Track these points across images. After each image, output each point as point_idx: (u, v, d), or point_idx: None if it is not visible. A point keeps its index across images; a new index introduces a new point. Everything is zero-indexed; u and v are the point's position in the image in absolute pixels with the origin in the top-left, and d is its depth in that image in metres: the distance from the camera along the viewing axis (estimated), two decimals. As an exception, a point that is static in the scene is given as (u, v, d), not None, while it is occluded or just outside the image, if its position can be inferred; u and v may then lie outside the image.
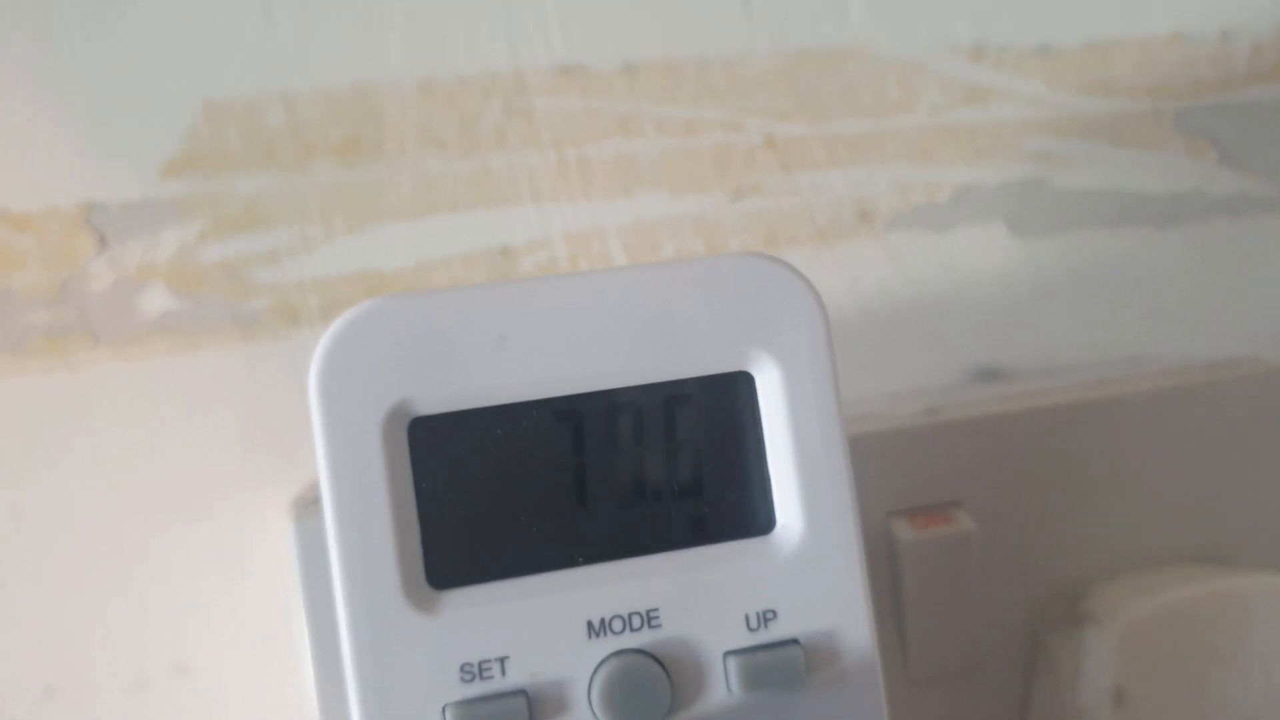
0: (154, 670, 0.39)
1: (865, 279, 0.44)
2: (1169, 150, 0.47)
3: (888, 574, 0.35)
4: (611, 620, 0.25)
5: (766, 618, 0.26)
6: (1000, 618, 0.36)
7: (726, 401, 0.26)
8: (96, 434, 0.39)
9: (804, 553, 0.26)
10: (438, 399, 0.25)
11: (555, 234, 0.42)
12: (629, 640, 0.25)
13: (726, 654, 0.26)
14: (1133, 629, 0.33)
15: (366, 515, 0.25)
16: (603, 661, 0.25)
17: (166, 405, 0.39)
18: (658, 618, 0.26)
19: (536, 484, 0.26)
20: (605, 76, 0.42)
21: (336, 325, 0.25)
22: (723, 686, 0.26)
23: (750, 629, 0.26)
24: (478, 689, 0.25)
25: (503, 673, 0.25)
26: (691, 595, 0.26)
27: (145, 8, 0.40)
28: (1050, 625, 0.36)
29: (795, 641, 0.26)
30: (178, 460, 0.39)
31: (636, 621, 0.26)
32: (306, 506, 0.34)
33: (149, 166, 0.40)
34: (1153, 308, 0.46)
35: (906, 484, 0.35)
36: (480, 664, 0.25)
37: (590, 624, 0.25)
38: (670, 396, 0.26)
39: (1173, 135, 0.47)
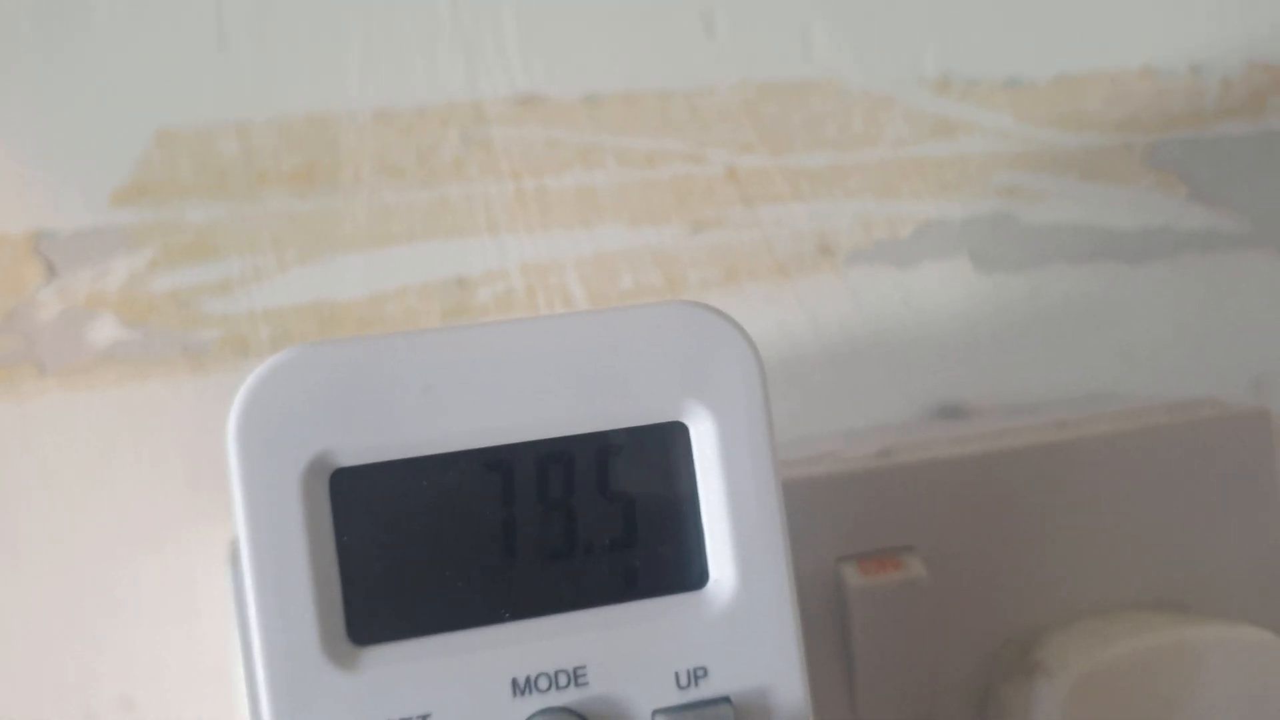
0: (101, 704, 0.38)
1: (825, 314, 0.43)
2: (1138, 185, 0.46)
3: (837, 621, 0.34)
4: (537, 678, 0.25)
5: (697, 675, 0.25)
6: (952, 666, 0.35)
7: (660, 452, 0.26)
8: (43, 465, 0.39)
9: (736, 609, 0.26)
10: (361, 450, 0.25)
11: (513, 265, 0.41)
12: (555, 699, 0.25)
13: (655, 712, 0.25)
14: (1082, 681, 0.33)
15: (285, 569, 0.24)
16: (527, 720, 0.25)
17: (114, 436, 0.39)
18: (585, 675, 0.25)
19: (463, 537, 0.25)
20: (565, 107, 0.42)
21: (256, 374, 0.24)
22: (651, 746, 0.25)
23: (680, 687, 0.25)
24: (399, 748, 0.24)
25: (424, 731, 0.24)
26: (620, 652, 0.25)
27: (99, 34, 0.39)
28: (1003, 674, 0.35)
29: (726, 700, 0.25)
30: (126, 492, 0.39)
31: (563, 679, 0.25)
32: (245, 546, 0.33)
33: (99, 194, 0.39)
34: (1120, 345, 0.46)
35: (858, 528, 0.35)
36: (402, 722, 0.24)
37: (515, 682, 0.25)
38: (602, 447, 0.26)
39: (1142, 170, 0.46)
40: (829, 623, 0.34)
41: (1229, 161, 0.47)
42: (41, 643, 0.38)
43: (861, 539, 0.35)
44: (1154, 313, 0.46)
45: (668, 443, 0.26)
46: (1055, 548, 0.37)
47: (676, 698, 0.25)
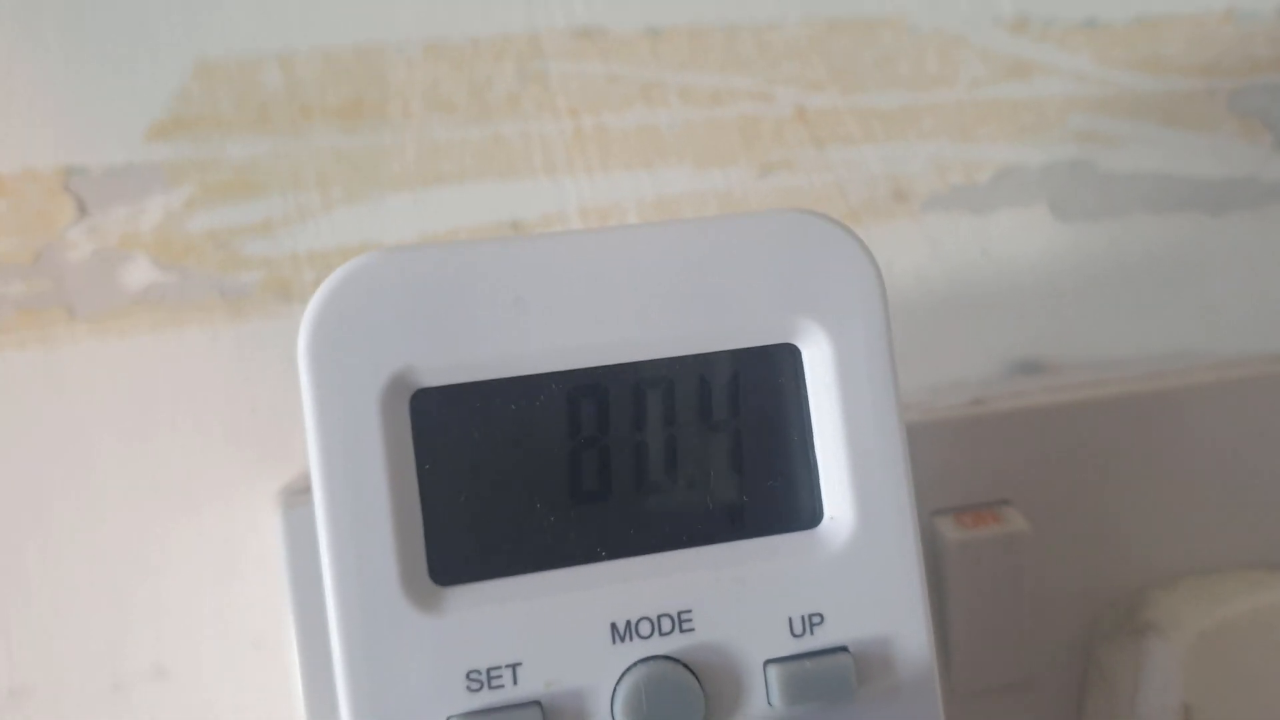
0: (132, 672, 0.37)
1: (900, 262, 0.41)
2: (1222, 132, 0.44)
3: (932, 577, 0.32)
4: (638, 623, 0.23)
5: (812, 622, 0.23)
6: (1052, 626, 0.34)
7: (769, 377, 0.24)
8: (73, 415, 0.37)
9: (854, 549, 0.24)
10: (444, 369, 0.23)
11: (570, 207, 0.40)
12: (658, 645, 0.23)
13: (767, 662, 0.23)
14: (1201, 640, 0.31)
15: (362, 500, 0.22)
16: (628, 669, 0.23)
17: (148, 385, 0.37)
18: (690, 620, 0.23)
19: (555, 468, 0.23)
20: (627, 40, 0.40)
21: (330, 282, 0.22)
22: (763, 699, 0.23)
23: (794, 634, 0.23)
24: (486, 699, 0.22)
25: (514, 681, 0.22)
26: (728, 595, 0.23)
27: (133, -42, 0.37)
28: (1106, 635, 0.33)
29: (844, 649, 0.23)
30: (160, 445, 0.37)
31: (666, 624, 0.23)
32: (296, 495, 0.32)
33: (134, 128, 0.38)
34: (1204, 299, 0.44)
35: (952, 480, 0.33)
36: (489, 671, 0.22)
37: (614, 626, 0.23)
38: (706, 371, 0.24)
39: (1226, 116, 0.44)
40: (923, 580, 0.32)
41: (1318, 108, 0.45)
42: (68, 605, 0.37)
43: (955, 492, 0.33)
44: (1238, 265, 0.44)
45: (778, 366, 0.24)
46: (1157, 503, 0.35)
47: (790, 646, 0.23)
